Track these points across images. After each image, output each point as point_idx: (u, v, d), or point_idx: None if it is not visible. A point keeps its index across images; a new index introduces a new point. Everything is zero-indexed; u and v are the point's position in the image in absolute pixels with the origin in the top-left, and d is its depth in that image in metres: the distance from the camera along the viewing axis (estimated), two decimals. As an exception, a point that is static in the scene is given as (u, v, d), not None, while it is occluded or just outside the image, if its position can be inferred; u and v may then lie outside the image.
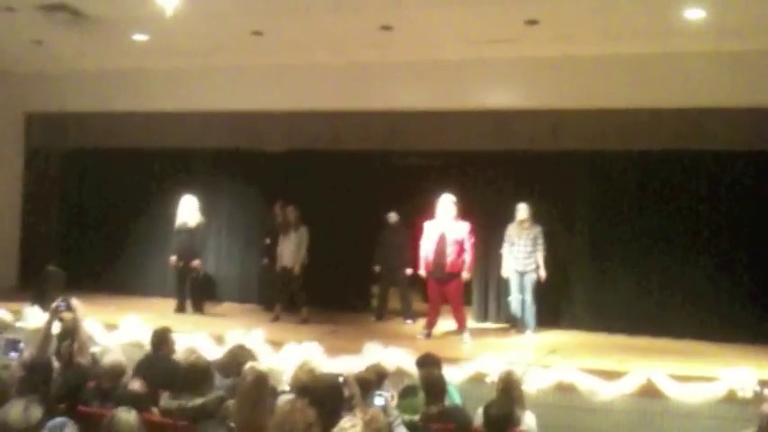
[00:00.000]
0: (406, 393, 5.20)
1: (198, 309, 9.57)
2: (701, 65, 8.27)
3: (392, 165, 10.63)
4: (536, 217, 8.83)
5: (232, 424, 4.02)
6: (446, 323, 8.65)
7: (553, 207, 9.28)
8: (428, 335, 8.33)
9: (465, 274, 8.24)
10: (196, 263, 9.46)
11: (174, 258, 9.51)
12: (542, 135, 9.07)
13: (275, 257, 9.40)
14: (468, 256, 8.18)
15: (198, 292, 9.70)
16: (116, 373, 4.77)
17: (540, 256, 8.63)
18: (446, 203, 8.24)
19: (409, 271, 9.14)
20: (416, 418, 4.78)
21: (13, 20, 8.84)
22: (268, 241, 9.77)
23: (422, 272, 8.44)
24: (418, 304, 9.66)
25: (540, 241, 8.65)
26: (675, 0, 7.22)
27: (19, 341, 5.79)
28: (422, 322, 8.73)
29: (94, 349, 5.83)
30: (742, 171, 8.69)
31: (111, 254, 11.09)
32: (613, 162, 9.15)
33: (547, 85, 8.90)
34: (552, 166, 9.32)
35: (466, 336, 8.22)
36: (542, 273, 8.63)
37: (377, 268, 9.60)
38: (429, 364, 5.55)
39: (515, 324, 8.86)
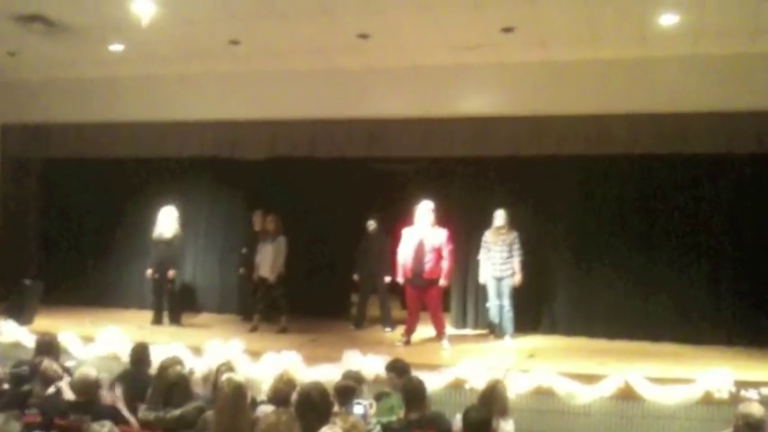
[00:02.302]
0: (381, 396, 5.23)
1: (175, 320, 9.48)
2: (679, 69, 8.34)
3: (372, 172, 10.65)
4: (517, 222, 8.89)
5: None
6: (425, 330, 8.65)
7: (533, 212, 9.36)
8: (407, 342, 8.33)
9: (443, 281, 8.25)
10: (171, 273, 9.40)
11: (150, 271, 9.45)
12: (522, 141, 9.09)
13: (252, 267, 9.35)
14: (446, 263, 8.20)
15: (175, 304, 9.61)
16: (89, 386, 4.73)
17: (516, 262, 8.69)
18: (424, 210, 8.26)
19: (388, 279, 9.14)
20: (394, 419, 4.79)
21: (-12, 31, 8.77)
22: (245, 251, 9.72)
23: (399, 279, 8.45)
24: (396, 311, 9.67)
25: (517, 247, 8.71)
26: (650, 5, 7.29)
27: (-7, 357, 5.74)
28: (401, 330, 8.73)
29: (70, 363, 5.76)
30: (722, 175, 8.79)
31: (89, 265, 11.00)
32: (593, 167, 9.21)
33: (526, 90, 8.93)
34: (532, 172, 9.35)
35: (445, 342, 8.22)
36: (517, 278, 8.68)
37: (356, 277, 9.58)
38: (399, 369, 5.58)
39: (493, 330, 8.90)
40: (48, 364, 5.11)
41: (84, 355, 7.46)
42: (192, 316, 10.12)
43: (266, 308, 9.27)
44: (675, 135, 8.52)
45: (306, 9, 7.74)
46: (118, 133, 10.63)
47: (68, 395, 4.72)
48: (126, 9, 7.66)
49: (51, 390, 4.83)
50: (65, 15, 8.24)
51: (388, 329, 9.27)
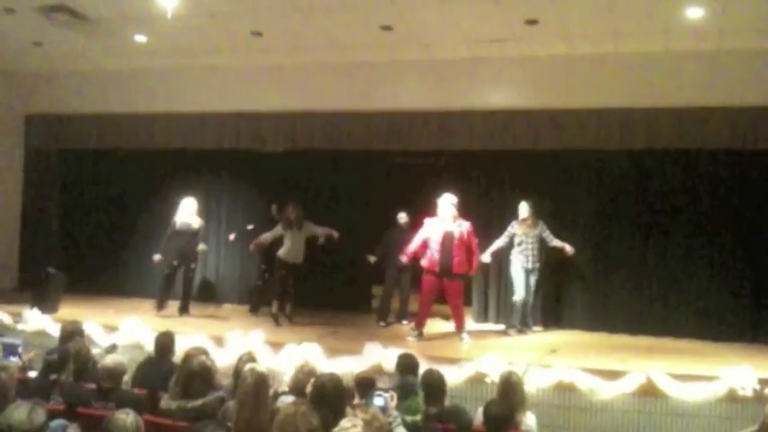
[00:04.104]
0: (406, 394, 5.18)
1: (185, 310, 9.41)
2: (702, 64, 8.29)
3: (393, 165, 10.61)
4: (537, 216, 8.83)
5: (229, 424, 4.02)
6: (444, 324, 8.61)
7: (554, 206, 9.29)
8: (420, 334, 8.20)
9: (472, 272, 8.26)
10: (194, 264, 9.44)
11: (157, 257, 9.36)
12: (543, 134, 9.07)
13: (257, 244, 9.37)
14: (476, 255, 8.20)
15: (189, 294, 9.57)
16: (117, 373, 4.78)
17: (557, 243, 8.70)
18: (447, 203, 8.15)
19: (404, 258, 8.65)
20: (418, 418, 4.77)
21: (14, 21, 8.85)
22: (251, 227, 9.67)
23: (403, 258, 8.37)
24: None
25: (547, 233, 8.72)
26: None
27: (17, 345, 5.80)
28: (403, 325, 8.78)
29: (95, 351, 5.81)
30: (742, 170, 8.70)
31: (112, 255, 11.10)
32: (614, 161, 9.15)
33: (547, 84, 8.91)
34: (553, 166, 9.34)
35: (465, 336, 8.18)
36: (569, 248, 8.69)
37: (372, 259, 9.36)
38: (403, 364, 5.53)
39: (515, 324, 8.82)
40: (83, 343, 5.19)
41: (108, 343, 7.50)
42: (213, 307, 10.18)
43: (284, 294, 9.19)
44: (697, 130, 8.48)
45: (327, 2, 7.74)
46: (140, 125, 10.73)
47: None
48: (149, 1, 7.72)
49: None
50: (89, 6, 8.30)
51: (405, 322, 9.21)
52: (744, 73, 8.12)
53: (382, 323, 9.20)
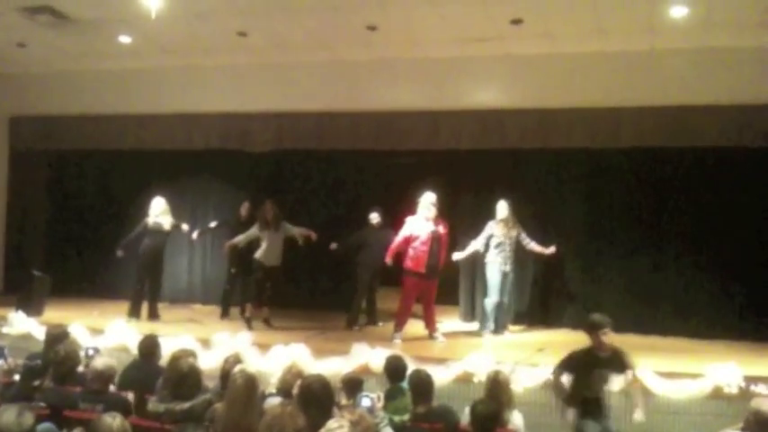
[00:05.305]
0: (393, 395, 5.18)
1: (155, 315, 9.27)
2: (687, 62, 8.33)
3: (379, 164, 10.57)
4: (524, 215, 8.87)
5: (207, 424, 4.02)
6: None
7: (541, 205, 9.32)
8: (400, 335, 8.12)
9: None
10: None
11: (120, 252, 9.20)
12: (530, 134, 9.09)
13: (239, 256, 9.30)
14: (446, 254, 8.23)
15: (156, 298, 9.39)
16: (106, 376, 4.76)
17: (534, 246, 8.68)
18: (428, 202, 8.09)
19: (388, 260, 8.43)
20: (406, 418, 4.77)
21: (-3, 22, 8.80)
22: (213, 224, 9.73)
23: (387, 260, 8.26)
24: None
25: (524, 236, 8.68)
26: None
27: (3, 348, 5.76)
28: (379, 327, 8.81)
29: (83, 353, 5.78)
30: (728, 168, 8.71)
31: (97, 257, 11.00)
32: (601, 160, 9.17)
33: (534, 83, 8.93)
34: (540, 165, 9.36)
35: (439, 335, 8.21)
36: (549, 249, 8.69)
37: (333, 245, 9.06)
38: (392, 370, 5.48)
39: (489, 326, 8.62)
40: (73, 345, 5.17)
41: (91, 347, 7.46)
42: (200, 308, 10.13)
43: (260, 297, 8.96)
44: (684, 128, 8.51)
45: (312, 2, 7.74)
46: (126, 126, 10.68)
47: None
48: (134, 1, 7.68)
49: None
50: (72, 7, 8.26)
51: (356, 328, 8.90)
52: (728, 71, 8.16)
53: (356, 327, 8.90)
